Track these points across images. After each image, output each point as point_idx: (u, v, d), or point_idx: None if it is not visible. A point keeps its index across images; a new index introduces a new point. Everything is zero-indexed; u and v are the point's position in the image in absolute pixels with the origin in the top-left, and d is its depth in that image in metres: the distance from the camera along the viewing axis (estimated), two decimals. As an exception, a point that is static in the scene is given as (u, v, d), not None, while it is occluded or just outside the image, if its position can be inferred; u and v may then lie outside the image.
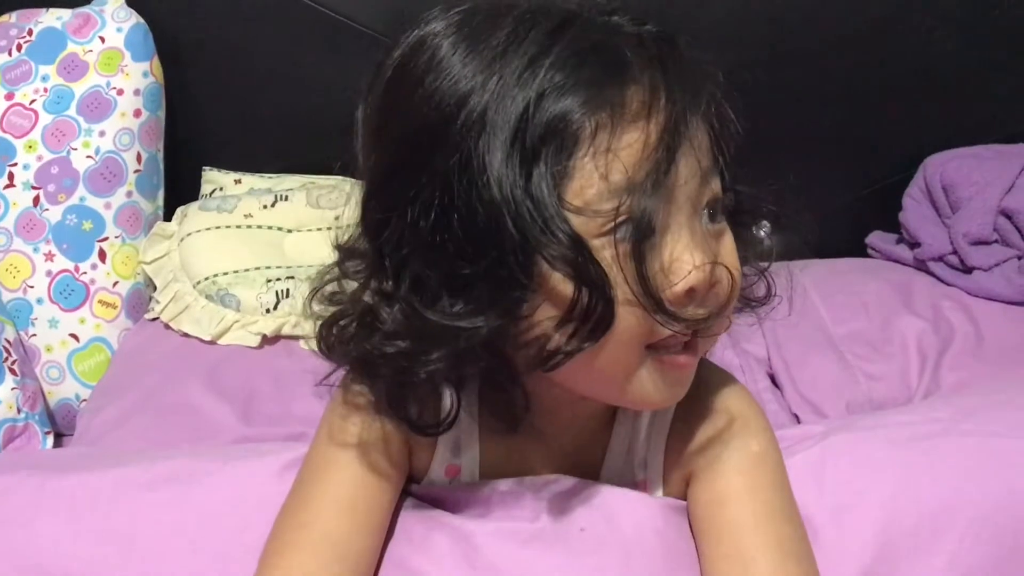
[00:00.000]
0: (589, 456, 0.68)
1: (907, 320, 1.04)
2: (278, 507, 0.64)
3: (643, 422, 0.67)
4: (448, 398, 0.61)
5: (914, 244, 1.16)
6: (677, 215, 0.54)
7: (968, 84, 1.23)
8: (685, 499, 0.66)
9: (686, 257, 0.54)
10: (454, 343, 0.53)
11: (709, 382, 0.67)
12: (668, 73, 0.54)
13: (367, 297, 0.58)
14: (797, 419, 0.96)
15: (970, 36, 1.20)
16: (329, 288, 0.62)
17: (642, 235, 0.53)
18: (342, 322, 0.59)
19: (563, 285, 0.53)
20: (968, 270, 1.09)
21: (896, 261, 1.19)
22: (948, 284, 1.10)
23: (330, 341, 0.60)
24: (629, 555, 0.62)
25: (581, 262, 0.52)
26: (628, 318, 0.53)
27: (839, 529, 0.63)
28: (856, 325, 1.05)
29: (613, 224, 0.52)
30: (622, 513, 0.64)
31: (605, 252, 0.53)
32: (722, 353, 1.02)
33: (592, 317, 0.53)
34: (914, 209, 1.18)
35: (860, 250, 1.26)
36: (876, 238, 1.24)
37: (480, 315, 0.53)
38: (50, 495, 0.68)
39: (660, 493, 0.68)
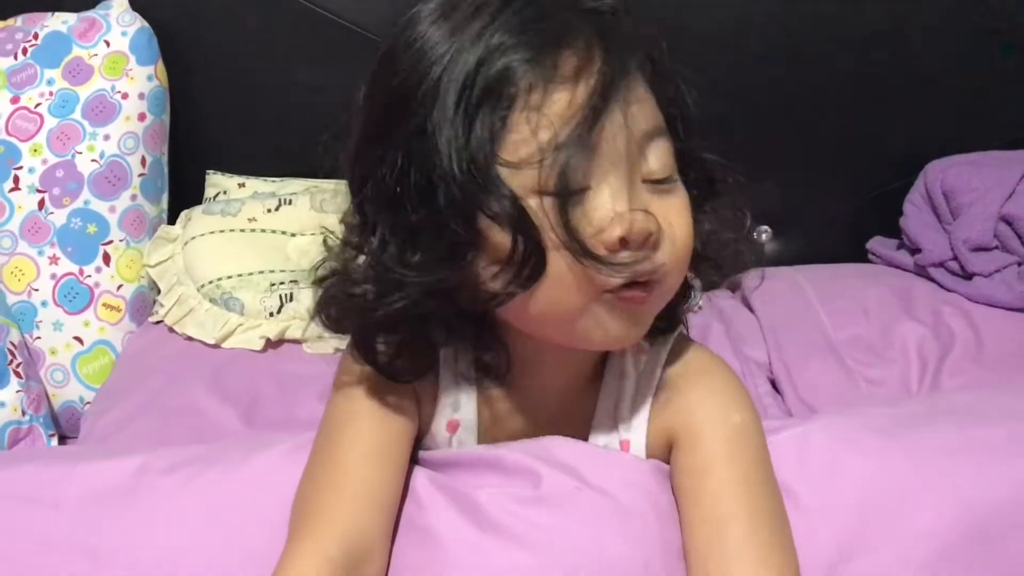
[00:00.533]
0: (579, 413, 0.72)
1: (908, 325, 1.05)
2: (290, 485, 0.66)
3: (628, 384, 0.71)
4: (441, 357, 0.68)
5: (915, 250, 1.17)
6: (610, 172, 0.59)
7: (968, 90, 1.23)
8: (667, 462, 0.69)
9: (607, 206, 0.58)
10: (409, 289, 0.60)
11: (697, 357, 0.71)
12: (605, 40, 0.59)
13: (346, 253, 0.65)
14: (798, 424, 0.97)
15: (970, 42, 1.21)
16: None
17: (566, 188, 0.57)
18: (328, 281, 0.66)
19: (501, 236, 0.58)
20: (968, 276, 1.09)
21: (897, 266, 1.20)
22: (949, 290, 1.11)
23: (321, 301, 0.66)
24: (626, 515, 0.64)
25: (514, 214, 0.58)
26: (560, 264, 0.59)
27: (818, 497, 0.65)
28: (857, 330, 1.05)
29: (538, 177, 0.57)
30: (617, 474, 0.67)
31: (536, 204, 0.58)
32: (719, 352, 1.03)
33: (527, 265, 0.59)
34: (915, 215, 1.18)
35: (861, 255, 1.27)
36: (877, 243, 1.25)
37: (431, 265, 0.60)
38: (76, 478, 0.69)
39: (643, 454, 0.70)
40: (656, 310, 0.64)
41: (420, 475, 0.67)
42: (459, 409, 0.71)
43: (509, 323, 0.65)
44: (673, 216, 0.61)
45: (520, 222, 0.59)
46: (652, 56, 0.63)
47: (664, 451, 0.70)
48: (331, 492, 0.63)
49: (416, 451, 0.70)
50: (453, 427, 0.71)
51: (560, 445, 0.68)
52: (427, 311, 0.63)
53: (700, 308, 1.04)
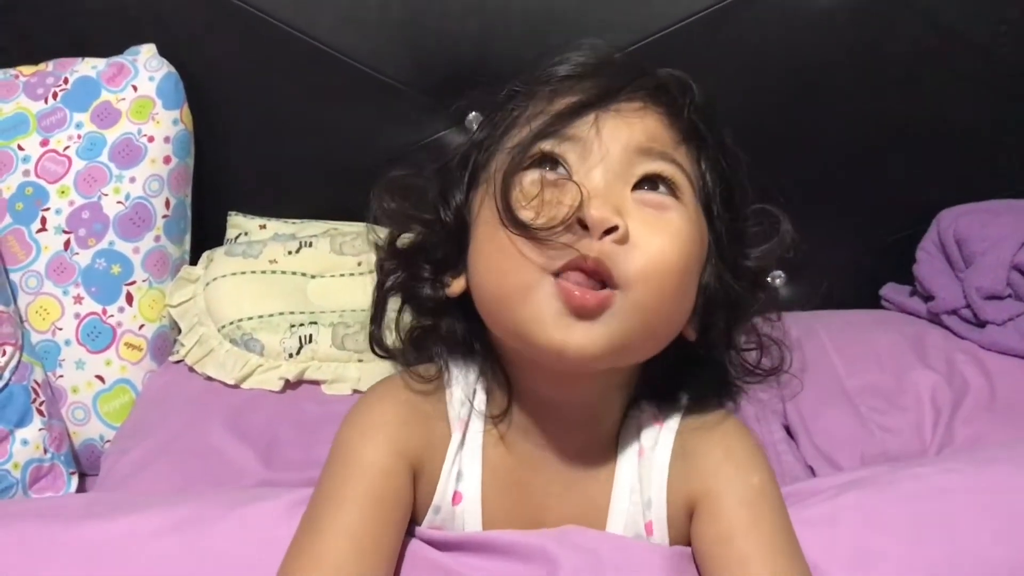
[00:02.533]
0: (596, 493, 0.71)
1: (921, 373, 1.05)
2: (285, 545, 0.66)
3: (646, 458, 0.70)
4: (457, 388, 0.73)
5: (928, 297, 1.17)
6: (597, 168, 0.65)
7: (982, 138, 1.25)
8: (688, 531, 0.68)
9: (577, 185, 0.63)
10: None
11: (707, 420, 0.71)
12: (628, 79, 0.68)
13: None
14: (812, 471, 0.97)
15: (985, 90, 1.22)
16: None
17: (518, 160, 0.66)
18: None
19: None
20: (981, 324, 1.10)
21: (910, 313, 1.20)
22: (962, 337, 1.11)
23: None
24: None
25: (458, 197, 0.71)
26: (502, 237, 0.64)
27: None
28: (870, 377, 1.06)
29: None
30: (638, 559, 0.65)
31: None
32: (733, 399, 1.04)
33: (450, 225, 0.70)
34: (927, 262, 1.19)
35: (874, 301, 1.27)
36: (889, 290, 1.26)
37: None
38: (60, 545, 0.69)
39: (665, 530, 0.69)
40: (621, 324, 0.63)
41: (417, 558, 0.67)
42: (463, 480, 0.71)
43: (501, 350, 0.71)
44: (652, 229, 0.64)
45: (455, 209, 0.70)
46: (692, 123, 0.69)
47: (685, 521, 0.69)
48: (322, 535, 0.64)
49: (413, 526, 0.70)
50: (457, 500, 0.71)
51: (578, 533, 0.67)
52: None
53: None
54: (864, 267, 1.30)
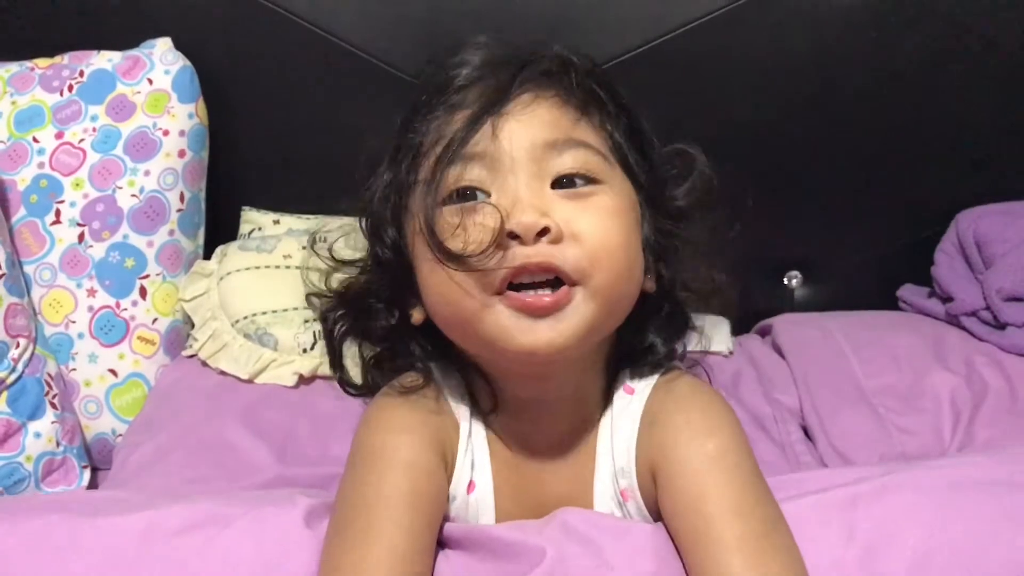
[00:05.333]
0: (585, 465, 0.74)
1: (940, 375, 1.04)
2: (303, 551, 0.67)
3: (617, 426, 0.73)
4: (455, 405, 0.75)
5: (946, 298, 1.17)
6: (506, 177, 0.66)
7: (1002, 140, 1.24)
8: None
9: (495, 202, 0.65)
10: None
11: (680, 389, 0.74)
12: (515, 73, 0.69)
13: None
14: (830, 472, 0.97)
15: (1004, 91, 1.21)
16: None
17: (434, 194, 0.67)
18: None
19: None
20: (1001, 326, 1.09)
21: (927, 315, 1.20)
22: (981, 339, 1.10)
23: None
24: None
25: (390, 234, 0.73)
26: (437, 272, 0.66)
27: (868, 565, 0.64)
28: (888, 378, 1.05)
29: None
30: (635, 544, 0.66)
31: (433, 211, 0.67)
32: (751, 398, 1.03)
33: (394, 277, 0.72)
34: (946, 263, 1.18)
35: (891, 303, 1.26)
36: (907, 291, 1.25)
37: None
38: (81, 539, 0.69)
39: (639, 499, 0.72)
40: (587, 313, 0.66)
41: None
42: (476, 470, 0.73)
43: (476, 359, 0.73)
44: (582, 218, 0.66)
45: (391, 244, 0.72)
46: (586, 94, 0.71)
47: (653, 489, 0.70)
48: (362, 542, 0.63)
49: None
50: (471, 488, 0.73)
51: (575, 517, 0.68)
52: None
53: (731, 353, 1.04)
54: (881, 268, 1.29)
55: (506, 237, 0.64)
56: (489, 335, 0.66)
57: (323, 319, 0.79)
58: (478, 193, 0.67)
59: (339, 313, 0.79)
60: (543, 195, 0.66)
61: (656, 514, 0.71)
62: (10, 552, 0.68)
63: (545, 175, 0.67)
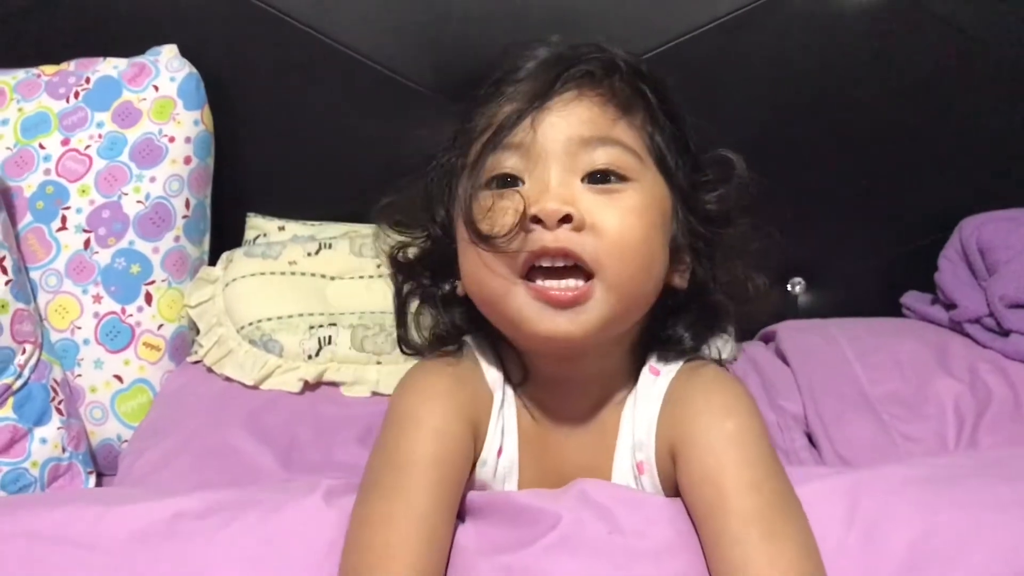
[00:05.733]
0: (605, 442, 0.78)
1: (944, 382, 1.04)
2: (325, 525, 0.70)
3: (640, 404, 0.76)
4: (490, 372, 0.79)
5: (949, 305, 1.17)
6: (538, 166, 0.70)
7: (1005, 146, 1.24)
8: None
9: (526, 189, 0.70)
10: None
11: (703, 373, 0.76)
12: (563, 69, 0.73)
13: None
14: (834, 479, 0.97)
15: (1007, 97, 1.22)
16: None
17: (475, 176, 0.72)
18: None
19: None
20: (1005, 333, 1.09)
21: (931, 321, 1.19)
22: (985, 346, 1.10)
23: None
24: (659, 557, 0.67)
25: (434, 202, 0.78)
26: (471, 250, 0.70)
27: (869, 546, 0.66)
28: (892, 385, 1.05)
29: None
30: (648, 514, 0.69)
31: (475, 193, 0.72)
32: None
33: (439, 246, 0.78)
34: (949, 270, 1.18)
35: (894, 309, 1.26)
36: (911, 298, 1.25)
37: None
38: (110, 523, 0.71)
39: (655, 472, 0.74)
40: (605, 308, 0.69)
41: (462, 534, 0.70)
42: (505, 436, 0.77)
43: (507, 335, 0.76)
44: (607, 210, 0.69)
45: (440, 222, 0.77)
46: (630, 95, 0.74)
47: (671, 465, 0.73)
48: (391, 529, 0.66)
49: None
50: (499, 453, 0.77)
51: (593, 487, 0.71)
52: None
53: (735, 359, 1.05)
54: (885, 275, 1.29)
55: (530, 222, 0.68)
56: (512, 317, 0.70)
57: (393, 278, 0.84)
58: (513, 179, 0.72)
59: (404, 276, 0.83)
60: (571, 186, 0.70)
61: (670, 492, 0.74)
62: (40, 534, 0.70)
63: (577, 168, 0.71)
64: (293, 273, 1.11)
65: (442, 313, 0.82)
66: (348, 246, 1.14)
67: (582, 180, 0.71)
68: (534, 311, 0.69)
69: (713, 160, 0.80)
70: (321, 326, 1.07)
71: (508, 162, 0.72)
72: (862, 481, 0.70)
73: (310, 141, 1.25)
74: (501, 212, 0.69)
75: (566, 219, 0.68)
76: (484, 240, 0.69)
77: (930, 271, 1.22)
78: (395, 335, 1.05)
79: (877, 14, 1.18)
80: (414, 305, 0.84)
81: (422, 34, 1.19)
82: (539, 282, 0.69)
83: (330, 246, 1.14)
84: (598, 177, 0.71)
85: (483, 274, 0.71)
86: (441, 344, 0.81)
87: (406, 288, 0.83)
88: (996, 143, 1.24)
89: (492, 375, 0.78)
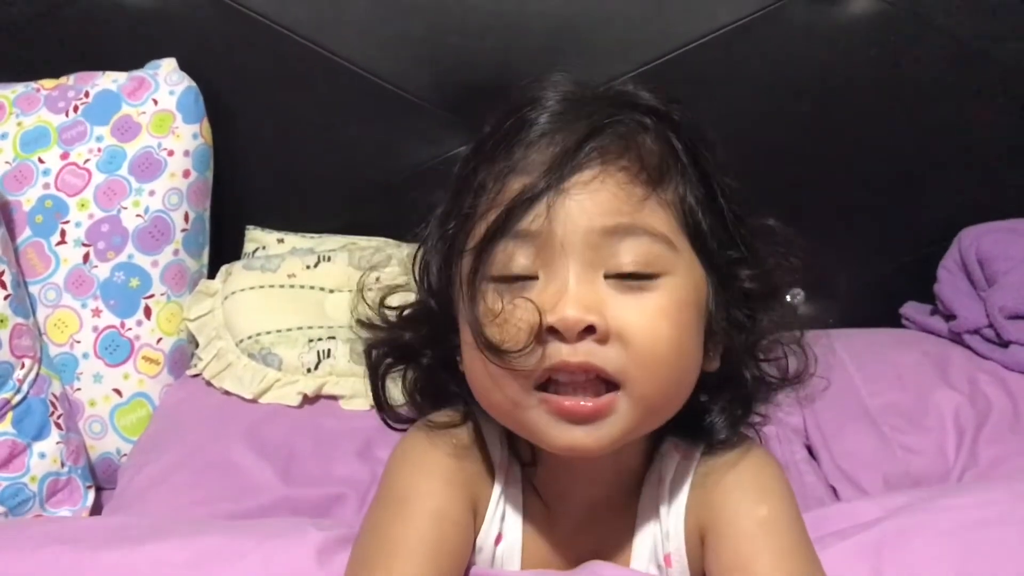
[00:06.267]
0: (623, 528, 0.70)
1: (944, 393, 1.04)
2: None
3: (664, 491, 0.69)
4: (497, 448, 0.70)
5: (949, 316, 1.17)
6: (555, 261, 0.60)
7: (1003, 157, 1.24)
8: None
9: (539, 290, 0.60)
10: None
11: (728, 450, 0.68)
12: (582, 138, 0.61)
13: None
14: (834, 491, 0.96)
15: (1006, 108, 1.22)
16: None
17: (477, 272, 0.61)
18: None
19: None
20: (1004, 344, 1.09)
21: (930, 332, 1.20)
22: (984, 357, 1.10)
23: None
24: None
25: (434, 297, 0.67)
26: (476, 356, 0.61)
27: None
28: (892, 397, 1.05)
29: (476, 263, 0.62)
30: None
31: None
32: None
33: (439, 345, 0.67)
34: (949, 281, 1.18)
35: (894, 320, 1.26)
36: (910, 309, 1.25)
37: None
38: (85, 572, 0.68)
39: (685, 564, 0.68)
40: (628, 420, 0.61)
41: None
42: (506, 522, 0.69)
43: None
44: (635, 315, 0.60)
45: (434, 305, 0.67)
46: (661, 159, 0.63)
47: (701, 552, 0.67)
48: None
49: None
50: (499, 540, 0.70)
51: (606, 570, 0.66)
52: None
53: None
54: (884, 286, 1.29)
55: (545, 332, 0.59)
56: (526, 428, 0.63)
57: (367, 353, 0.72)
58: (525, 275, 0.61)
59: (384, 349, 0.72)
60: (594, 287, 0.60)
61: None
62: None
63: (600, 264, 0.60)
64: (292, 286, 1.11)
65: (441, 383, 0.71)
66: (347, 259, 1.14)
67: (607, 277, 0.61)
68: (549, 424, 0.61)
69: (754, 229, 0.69)
70: (320, 339, 1.07)
71: (520, 259, 0.61)
72: (885, 540, 0.66)
73: (309, 154, 1.25)
74: (512, 322, 0.59)
75: (589, 329, 0.59)
76: (495, 353, 0.59)
77: (929, 282, 1.22)
78: None
79: (876, 25, 1.18)
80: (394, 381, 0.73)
81: (420, 47, 1.20)
82: (555, 394, 0.60)
83: (329, 259, 1.14)
84: (623, 273, 0.61)
85: (490, 386, 0.62)
86: (439, 405, 0.72)
87: (386, 363, 0.72)
88: (995, 154, 1.24)
89: (495, 453, 0.70)
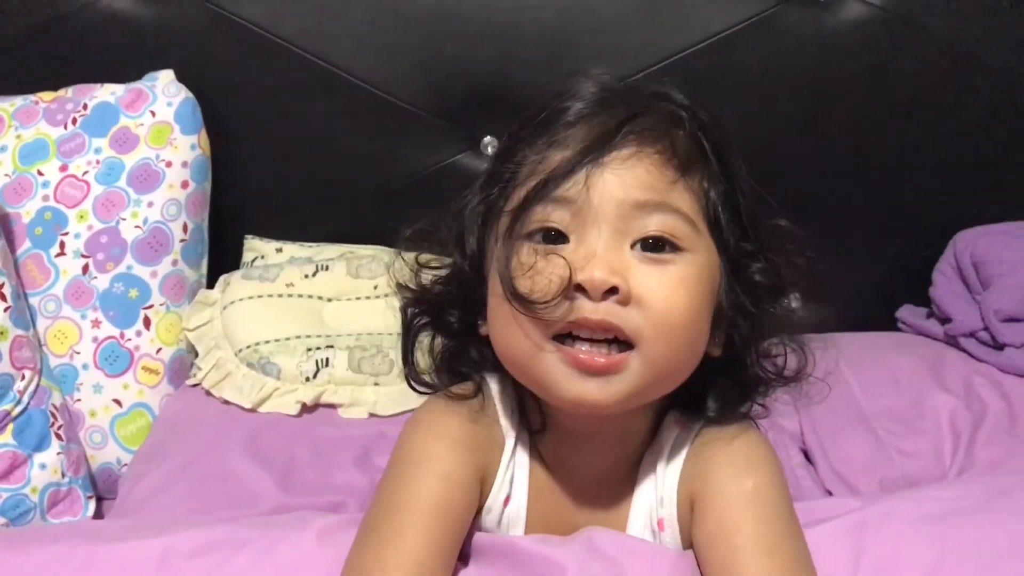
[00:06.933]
0: (624, 494, 0.74)
1: (939, 396, 1.05)
2: (317, 568, 0.68)
3: (662, 461, 0.73)
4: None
5: (945, 319, 1.17)
6: (590, 228, 0.65)
7: (997, 160, 1.25)
8: None
9: (570, 251, 0.65)
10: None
11: (725, 427, 0.73)
12: (623, 118, 0.66)
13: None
14: (830, 495, 0.97)
15: (999, 111, 1.22)
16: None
17: (514, 227, 0.66)
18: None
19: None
20: (1000, 347, 1.10)
21: (926, 335, 1.20)
22: (980, 360, 1.11)
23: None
24: None
25: (469, 251, 0.72)
26: (504, 305, 0.65)
27: None
28: (888, 401, 1.06)
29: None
30: (658, 568, 0.67)
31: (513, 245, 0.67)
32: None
33: (471, 292, 0.71)
34: (944, 284, 1.19)
35: (890, 323, 1.27)
36: (906, 312, 1.25)
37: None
38: (98, 563, 0.70)
39: (676, 527, 0.72)
40: (639, 379, 0.65)
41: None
42: (514, 485, 0.74)
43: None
44: (655, 283, 0.64)
45: (467, 267, 0.72)
46: (691, 151, 0.68)
47: (691, 519, 0.71)
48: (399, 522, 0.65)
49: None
50: (507, 502, 0.74)
51: (602, 536, 0.69)
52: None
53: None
54: (880, 289, 1.29)
55: (573, 289, 0.64)
56: (539, 378, 0.66)
57: (403, 311, 0.78)
58: (558, 235, 0.66)
59: (418, 309, 0.77)
60: (621, 253, 0.65)
61: (689, 546, 0.72)
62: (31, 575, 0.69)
63: (628, 233, 0.65)
64: (290, 295, 1.11)
65: (462, 349, 0.76)
66: (345, 267, 1.15)
67: (632, 246, 0.65)
68: (563, 374, 0.65)
69: (767, 228, 0.73)
70: (319, 348, 1.08)
71: (555, 216, 0.66)
72: (868, 522, 0.68)
73: (306, 163, 1.26)
74: (543, 275, 0.64)
75: (612, 291, 0.63)
76: (522, 303, 0.64)
77: (925, 285, 1.22)
78: (391, 356, 1.07)
79: (869, 30, 1.19)
80: (423, 341, 0.78)
81: (416, 56, 1.20)
82: (571, 345, 0.65)
83: (327, 268, 1.15)
84: (650, 244, 0.66)
85: (514, 333, 0.66)
86: (457, 379, 0.77)
87: (418, 322, 0.77)
88: (989, 157, 1.24)
89: (507, 421, 0.74)
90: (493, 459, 0.73)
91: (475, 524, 0.72)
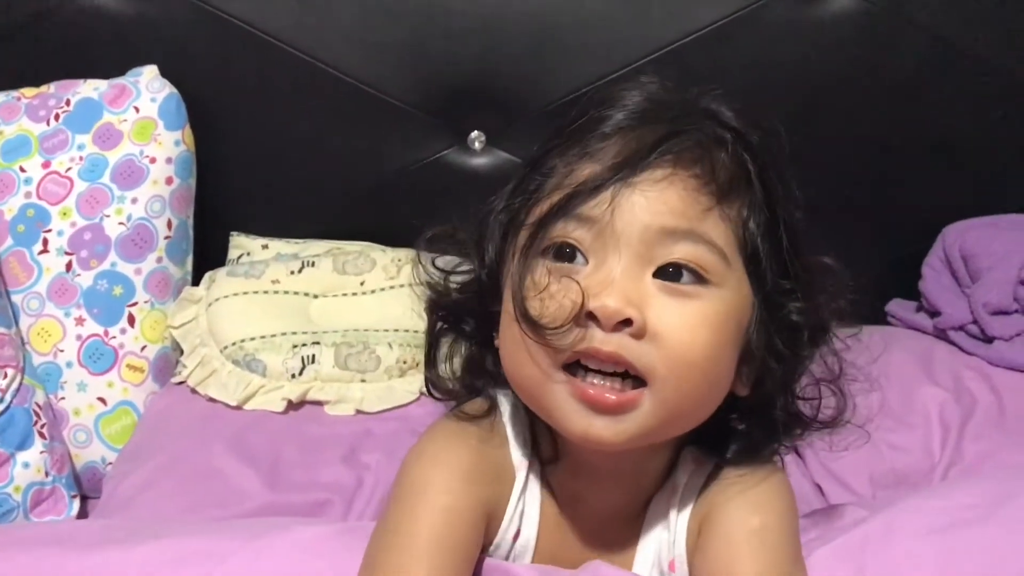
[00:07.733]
0: (629, 530, 0.71)
1: (929, 390, 1.05)
2: None
3: (677, 498, 0.70)
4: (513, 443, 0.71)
5: (934, 313, 1.17)
6: (611, 252, 0.61)
7: (987, 153, 1.24)
8: None
9: (585, 275, 0.61)
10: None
11: (747, 470, 0.68)
12: (660, 137, 0.62)
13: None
14: (820, 489, 0.97)
15: (989, 105, 1.22)
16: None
17: (531, 243, 0.63)
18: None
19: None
20: (989, 340, 1.09)
21: (916, 329, 1.20)
22: (969, 353, 1.11)
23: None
24: None
25: (487, 262, 0.68)
26: (515, 327, 0.62)
27: None
28: (877, 394, 1.05)
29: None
30: None
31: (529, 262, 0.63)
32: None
33: (485, 293, 0.68)
34: (933, 278, 1.19)
35: (879, 317, 1.27)
36: (895, 306, 1.25)
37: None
38: (74, 573, 0.67)
39: (687, 570, 0.68)
40: (650, 420, 0.61)
41: None
42: (524, 519, 0.70)
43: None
44: (675, 317, 0.60)
45: (484, 277, 0.69)
46: (732, 176, 0.63)
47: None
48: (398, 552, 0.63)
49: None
50: (516, 537, 0.70)
51: (607, 571, 0.66)
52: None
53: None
54: (869, 283, 1.29)
55: (584, 316, 0.60)
56: (547, 409, 0.63)
57: (428, 311, 0.75)
58: (577, 254, 0.62)
59: (439, 313, 0.74)
60: (640, 282, 0.61)
61: None
62: None
63: (651, 260, 0.61)
64: (276, 292, 1.11)
65: (479, 358, 0.73)
66: (331, 264, 1.14)
67: (655, 275, 0.61)
68: (571, 408, 0.61)
69: (810, 265, 0.69)
70: (304, 344, 1.07)
71: (576, 234, 0.62)
72: (869, 539, 0.66)
73: (293, 159, 1.25)
74: (555, 299, 0.60)
75: (626, 322, 0.59)
76: (531, 326, 0.60)
77: (915, 279, 1.22)
78: (377, 353, 1.06)
79: (857, 23, 1.18)
80: (444, 347, 0.75)
81: (403, 52, 1.19)
82: (583, 376, 0.61)
83: (313, 264, 1.14)
84: (670, 272, 0.61)
85: (523, 358, 0.62)
86: (472, 393, 0.73)
87: (439, 325, 0.74)
88: (978, 150, 1.24)
89: (518, 453, 0.70)
90: (503, 494, 0.69)
91: (481, 558, 0.69)
